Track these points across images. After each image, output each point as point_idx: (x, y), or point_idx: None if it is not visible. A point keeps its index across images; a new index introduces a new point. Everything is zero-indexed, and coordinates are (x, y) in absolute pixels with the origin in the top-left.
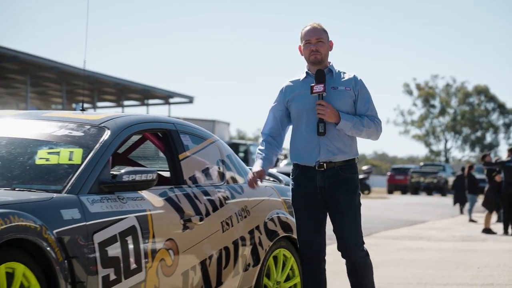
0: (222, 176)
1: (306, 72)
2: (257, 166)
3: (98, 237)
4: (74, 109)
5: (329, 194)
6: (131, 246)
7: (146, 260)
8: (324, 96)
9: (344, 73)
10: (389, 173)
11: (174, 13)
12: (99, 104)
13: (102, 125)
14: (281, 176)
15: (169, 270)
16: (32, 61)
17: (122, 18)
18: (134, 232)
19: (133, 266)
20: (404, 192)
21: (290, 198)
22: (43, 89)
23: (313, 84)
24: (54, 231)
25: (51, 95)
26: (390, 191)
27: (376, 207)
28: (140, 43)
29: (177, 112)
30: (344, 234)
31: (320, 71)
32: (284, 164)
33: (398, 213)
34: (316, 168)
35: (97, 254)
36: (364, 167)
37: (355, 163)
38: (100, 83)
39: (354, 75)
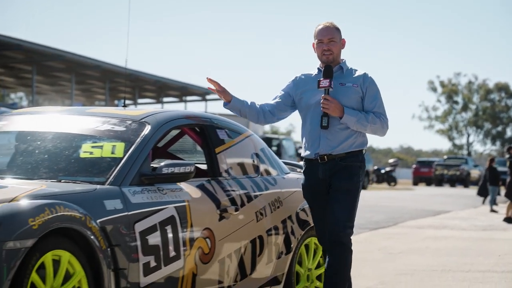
0: (256, 168)
1: (318, 69)
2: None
3: (139, 226)
4: (117, 106)
5: (329, 183)
6: (170, 235)
7: (185, 248)
8: (331, 92)
9: (356, 70)
10: (414, 166)
11: (210, 12)
12: (140, 100)
13: (143, 120)
14: None
15: (206, 257)
16: (77, 60)
17: (162, 18)
18: (173, 222)
19: (172, 254)
20: (428, 184)
21: None
22: (87, 87)
23: (320, 79)
24: (98, 221)
25: (95, 92)
26: (415, 183)
27: (402, 198)
28: (178, 41)
29: (213, 108)
30: (333, 213)
31: (328, 67)
32: None
33: (423, 204)
34: (319, 160)
35: (138, 243)
36: (391, 160)
37: (359, 154)
38: (141, 81)
39: (365, 73)
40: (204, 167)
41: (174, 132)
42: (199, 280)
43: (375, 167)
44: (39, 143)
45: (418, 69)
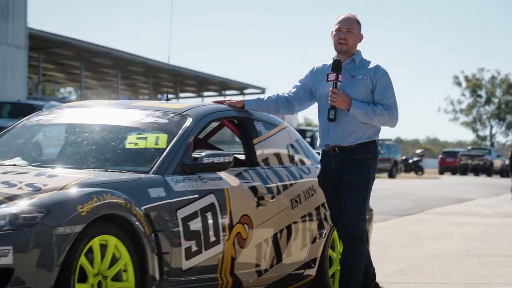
0: (291, 158)
1: (333, 59)
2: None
3: (181, 213)
4: (159, 99)
5: (340, 174)
6: (210, 221)
7: (224, 233)
8: (340, 84)
9: (370, 62)
10: (440, 156)
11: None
12: (181, 95)
13: (185, 113)
14: None
15: (244, 242)
16: (123, 57)
17: (203, 15)
18: (213, 209)
19: (212, 238)
20: (453, 173)
21: None
22: (132, 82)
23: (329, 73)
24: (142, 208)
25: (139, 87)
26: (441, 172)
27: (428, 187)
28: (217, 38)
29: None
30: (345, 207)
31: (337, 61)
32: None
33: (448, 192)
34: (331, 152)
35: (181, 228)
36: (418, 151)
37: (370, 145)
38: (183, 76)
39: (377, 65)
40: (242, 157)
41: (214, 124)
42: (238, 263)
43: (403, 157)
44: (87, 134)
45: (444, 65)
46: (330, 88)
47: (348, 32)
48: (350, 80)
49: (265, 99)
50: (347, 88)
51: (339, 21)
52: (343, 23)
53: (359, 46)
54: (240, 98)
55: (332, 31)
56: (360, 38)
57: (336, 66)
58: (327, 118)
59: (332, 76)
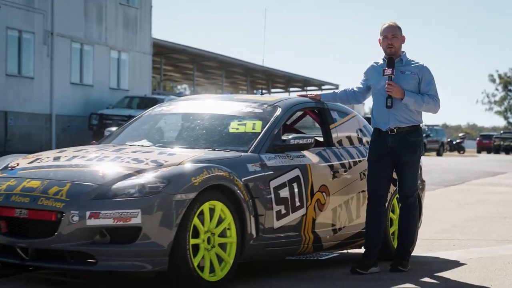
0: (360, 140)
1: (383, 59)
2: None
3: (273, 183)
4: (255, 94)
5: (396, 153)
6: (296, 190)
7: (307, 199)
8: (393, 78)
9: (413, 61)
10: (478, 139)
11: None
12: (272, 90)
13: (275, 104)
14: None
15: (322, 207)
16: (226, 60)
17: (289, 26)
18: (298, 180)
19: (298, 204)
20: (488, 152)
21: None
22: (233, 80)
23: (384, 68)
24: (242, 179)
25: (239, 84)
26: (478, 151)
27: (468, 163)
28: (301, 43)
29: None
30: (403, 182)
31: (391, 59)
32: None
33: (485, 167)
34: (389, 132)
35: (272, 195)
36: (460, 134)
37: (419, 128)
38: (273, 75)
39: (421, 64)
40: (321, 139)
41: (299, 113)
42: (317, 223)
43: (448, 139)
44: (199, 121)
45: (481, 65)
46: (387, 81)
47: (393, 38)
48: (400, 75)
49: (338, 92)
50: (399, 81)
51: (384, 30)
52: (388, 31)
53: (404, 47)
54: (318, 92)
55: (380, 39)
56: (403, 40)
57: (390, 63)
58: (385, 106)
59: (389, 71)
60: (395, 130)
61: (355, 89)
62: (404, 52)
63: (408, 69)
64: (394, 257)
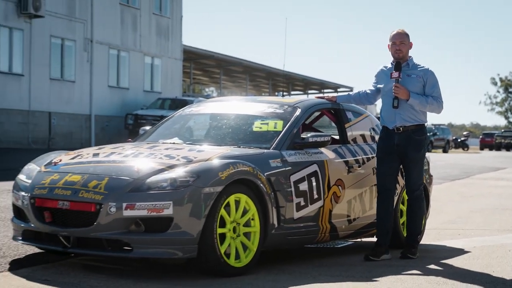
0: (372, 138)
1: (391, 63)
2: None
3: (293, 178)
4: (276, 96)
5: (402, 150)
6: (314, 184)
7: (324, 192)
8: (400, 81)
9: (419, 65)
10: (480, 137)
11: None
12: (292, 92)
13: (295, 105)
14: None
15: (338, 199)
16: (250, 65)
17: (308, 33)
18: (316, 175)
19: (315, 196)
20: (490, 149)
21: None
22: (256, 83)
23: (392, 72)
24: (265, 174)
25: (262, 87)
26: (481, 148)
27: (472, 159)
28: (320, 49)
29: None
30: (409, 177)
31: (398, 63)
32: None
33: (487, 163)
34: (395, 130)
35: (292, 189)
36: (464, 132)
37: (424, 127)
38: (293, 79)
39: (427, 68)
40: (337, 137)
41: (317, 113)
42: (334, 214)
43: (453, 137)
44: (225, 121)
45: (484, 69)
46: (394, 83)
47: (401, 44)
48: (407, 78)
49: (352, 94)
50: (404, 84)
51: (393, 36)
52: (396, 38)
53: (411, 52)
54: (334, 94)
55: (388, 45)
56: (410, 45)
57: (398, 66)
58: (392, 106)
59: (396, 74)
60: (401, 128)
61: (368, 91)
62: (411, 56)
63: (414, 72)
64: (404, 245)
